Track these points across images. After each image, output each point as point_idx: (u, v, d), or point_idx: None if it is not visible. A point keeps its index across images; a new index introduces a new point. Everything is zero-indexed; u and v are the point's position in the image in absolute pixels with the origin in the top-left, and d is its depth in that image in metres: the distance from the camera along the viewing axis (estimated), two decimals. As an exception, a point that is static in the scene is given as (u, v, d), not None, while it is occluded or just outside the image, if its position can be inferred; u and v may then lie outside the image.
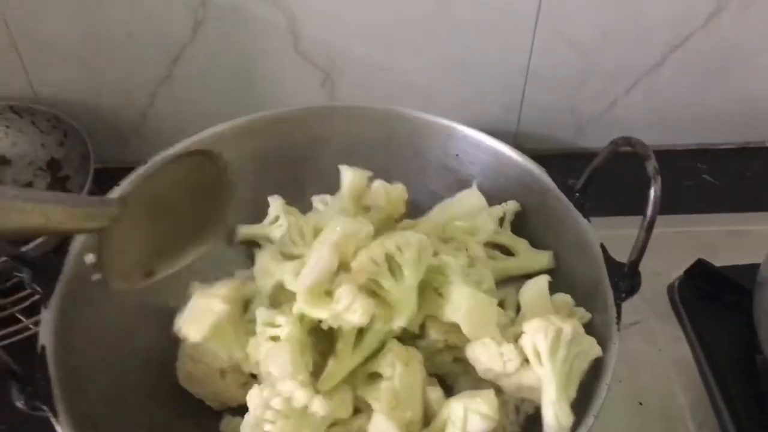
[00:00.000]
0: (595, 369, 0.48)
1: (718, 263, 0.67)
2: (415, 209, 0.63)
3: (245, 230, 0.64)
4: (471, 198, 0.63)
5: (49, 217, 0.39)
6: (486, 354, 0.49)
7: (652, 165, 0.47)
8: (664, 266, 0.69)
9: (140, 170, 0.56)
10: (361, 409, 0.51)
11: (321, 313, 0.48)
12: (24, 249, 0.61)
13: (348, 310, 0.47)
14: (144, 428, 0.52)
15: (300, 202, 0.64)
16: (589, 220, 0.55)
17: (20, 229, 0.38)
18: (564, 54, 0.77)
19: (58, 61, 0.75)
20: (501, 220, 0.62)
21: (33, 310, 0.66)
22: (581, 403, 0.46)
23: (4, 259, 0.62)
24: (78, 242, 0.52)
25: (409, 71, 0.78)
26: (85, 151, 0.72)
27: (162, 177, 0.49)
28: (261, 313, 0.51)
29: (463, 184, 0.64)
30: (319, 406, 0.45)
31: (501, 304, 0.56)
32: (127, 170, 0.56)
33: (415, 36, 0.75)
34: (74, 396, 0.45)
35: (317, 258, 0.50)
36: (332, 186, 0.63)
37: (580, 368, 0.48)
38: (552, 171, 0.59)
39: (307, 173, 0.66)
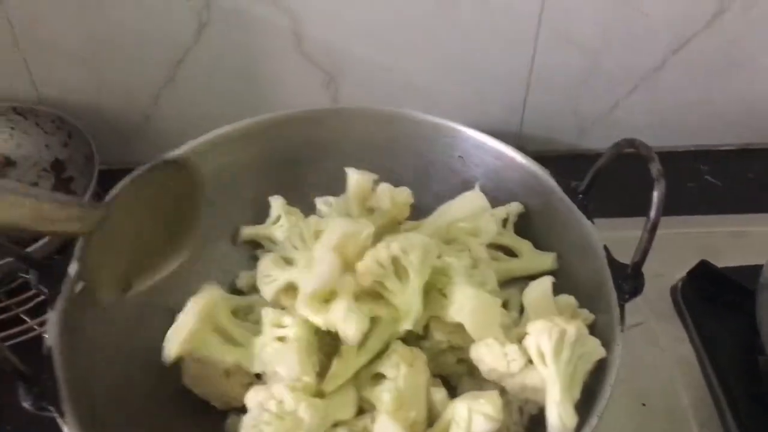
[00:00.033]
0: (599, 370, 0.48)
1: (720, 264, 0.67)
2: (418, 210, 0.63)
3: (248, 231, 0.65)
4: (474, 199, 0.63)
5: (43, 213, 0.39)
6: (490, 354, 0.49)
7: (655, 167, 0.47)
8: (666, 267, 0.69)
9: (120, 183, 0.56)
10: (365, 409, 0.51)
11: (319, 321, 0.49)
12: (29, 250, 0.61)
13: (344, 325, 0.48)
14: (149, 428, 0.52)
15: (303, 203, 0.65)
16: (592, 222, 0.55)
17: (14, 223, 0.38)
18: (566, 55, 0.77)
19: (61, 62, 0.75)
20: (504, 222, 0.62)
21: (37, 311, 0.66)
22: (585, 404, 0.47)
23: (9, 259, 0.62)
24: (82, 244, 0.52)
25: (412, 72, 0.78)
26: (89, 153, 0.72)
27: (138, 188, 0.48)
28: (268, 314, 0.51)
29: (466, 185, 0.64)
30: (305, 412, 0.46)
31: (504, 305, 0.56)
32: (131, 172, 0.56)
33: (418, 37, 0.75)
34: (80, 396, 0.45)
35: (320, 266, 0.50)
36: (336, 188, 0.63)
37: (583, 369, 0.48)
38: (555, 172, 0.59)
39: (310, 175, 0.66)
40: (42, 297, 0.64)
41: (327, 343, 0.51)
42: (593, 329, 0.51)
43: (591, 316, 0.53)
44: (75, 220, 0.42)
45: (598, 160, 0.55)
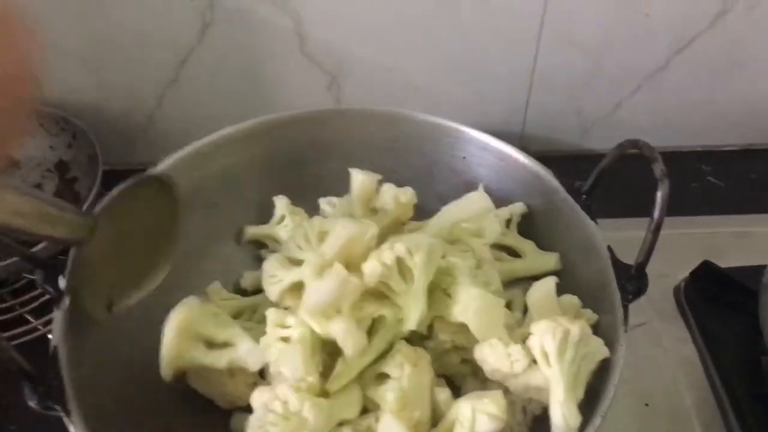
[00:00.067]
0: (602, 370, 0.48)
1: (723, 265, 0.67)
2: (421, 211, 0.63)
3: (252, 231, 0.65)
4: (478, 200, 0.63)
5: (41, 212, 0.40)
6: (494, 355, 0.49)
7: (659, 168, 0.47)
8: (670, 268, 0.69)
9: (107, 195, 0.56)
10: (369, 409, 0.51)
11: (320, 331, 0.49)
12: (34, 250, 0.62)
13: (342, 342, 0.49)
14: (155, 425, 0.52)
15: (307, 204, 0.65)
16: (596, 222, 0.56)
17: (13, 225, 0.39)
18: (569, 56, 0.77)
19: (65, 63, 0.75)
20: (508, 222, 0.62)
21: (41, 311, 0.66)
22: (588, 404, 0.47)
23: (14, 259, 0.62)
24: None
25: (413, 73, 0.78)
26: (93, 153, 0.73)
27: (120, 205, 0.48)
28: (271, 314, 0.51)
29: (469, 186, 0.64)
30: (309, 412, 0.46)
31: (508, 306, 0.56)
32: (135, 172, 0.56)
33: (421, 38, 0.75)
34: (86, 396, 0.45)
35: (327, 281, 0.50)
36: (339, 188, 0.64)
37: (587, 369, 0.48)
38: (558, 173, 0.59)
39: (314, 175, 0.66)
40: (46, 297, 0.65)
41: (331, 343, 0.51)
42: (597, 329, 0.51)
43: (594, 317, 0.54)
44: (69, 224, 0.43)
45: (601, 160, 0.55)
